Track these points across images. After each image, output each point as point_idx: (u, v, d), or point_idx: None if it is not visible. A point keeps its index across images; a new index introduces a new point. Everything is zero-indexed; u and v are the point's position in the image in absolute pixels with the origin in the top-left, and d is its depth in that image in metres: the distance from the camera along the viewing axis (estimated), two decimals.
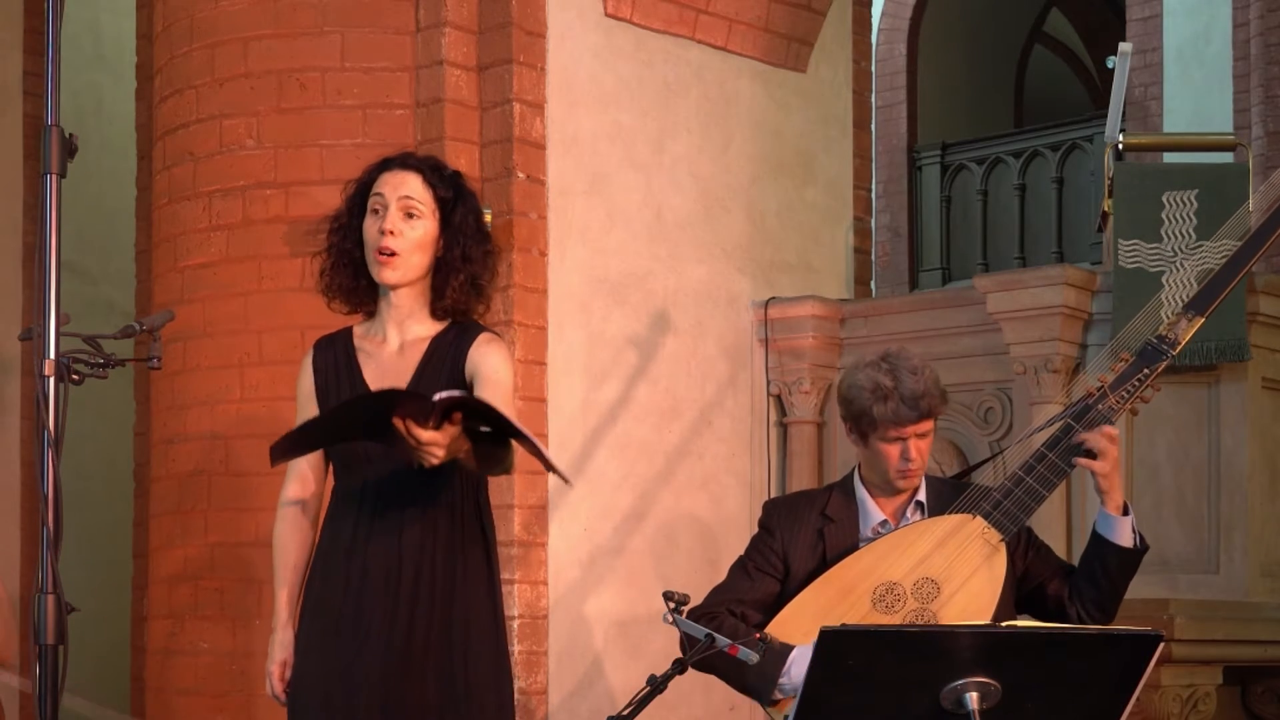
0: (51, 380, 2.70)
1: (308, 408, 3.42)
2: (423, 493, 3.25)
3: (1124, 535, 3.46)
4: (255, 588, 4.88)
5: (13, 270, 6.70)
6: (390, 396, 3.01)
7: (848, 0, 6.13)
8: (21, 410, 6.64)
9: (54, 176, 2.71)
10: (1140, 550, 3.49)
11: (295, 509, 3.44)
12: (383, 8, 4.97)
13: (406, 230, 3.28)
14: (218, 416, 4.98)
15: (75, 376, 2.74)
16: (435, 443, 2.97)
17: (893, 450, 3.49)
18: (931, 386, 3.47)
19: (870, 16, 6.44)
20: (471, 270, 3.32)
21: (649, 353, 5.33)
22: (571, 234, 5.13)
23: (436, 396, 2.94)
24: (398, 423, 2.96)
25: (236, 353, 4.97)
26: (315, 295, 4.83)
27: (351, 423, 3.14)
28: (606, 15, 5.26)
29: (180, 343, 5.03)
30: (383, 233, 3.27)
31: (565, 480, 3.20)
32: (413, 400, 2.95)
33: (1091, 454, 3.41)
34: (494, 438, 3.11)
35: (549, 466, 3.04)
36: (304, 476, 3.45)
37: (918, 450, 3.49)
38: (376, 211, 3.31)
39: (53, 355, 2.70)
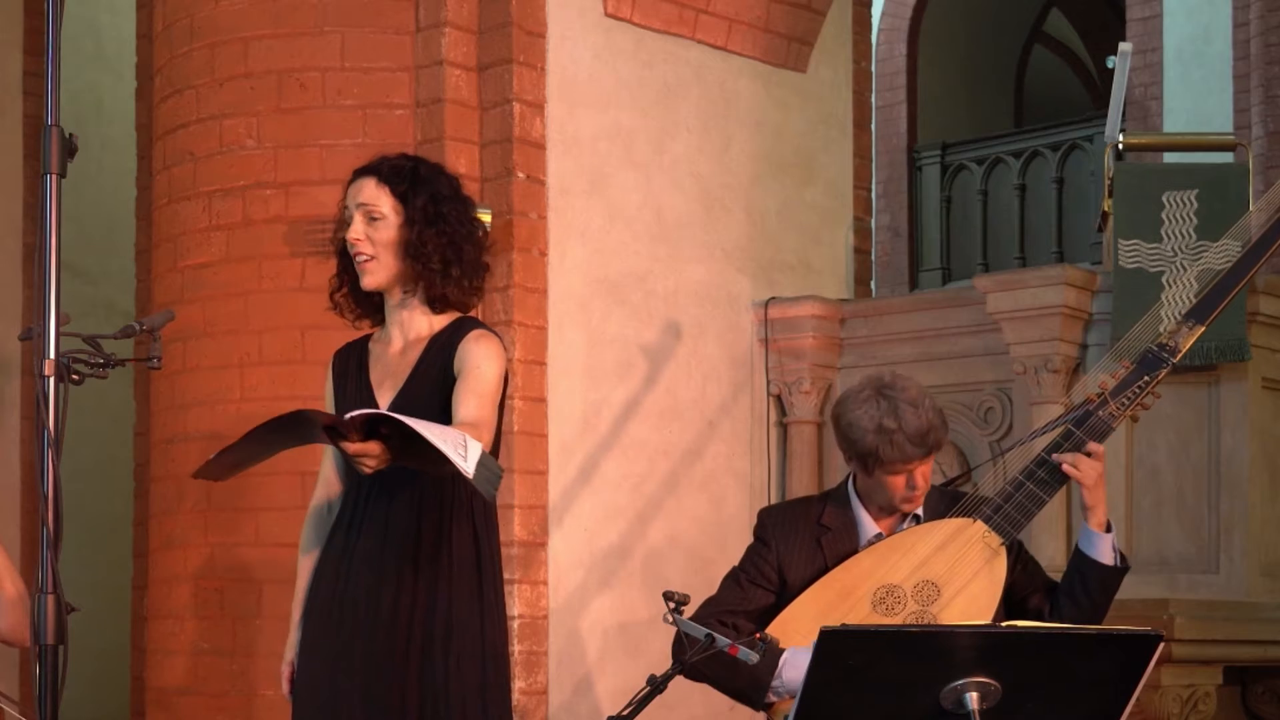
0: (51, 380, 2.69)
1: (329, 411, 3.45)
2: (411, 498, 3.27)
3: (1105, 553, 3.45)
4: (255, 588, 4.88)
5: (13, 270, 6.69)
6: (304, 415, 3.01)
7: (848, 0, 6.13)
8: (21, 410, 6.63)
9: (54, 176, 2.71)
10: (1121, 569, 3.48)
11: (320, 512, 3.47)
12: (383, 8, 4.97)
13: (371, 233, 3.34)
14: (218, 416, 4.98)
15: (75, 376, 2.73)
16: (364, 453, 2.98)
17: (898, 481, 3.47)
18: (934, 418, 3.43)
19: (870, 16, 6.44)
20: (425, 254, 3.32)
21: (649, 353, 5.33)
22: (571, 234, 5.13)
23: (348, 415, 2.95)
24: (324, 438, 2.99)
25: (236, 353, 4.97)
26: (315, 295, 4.84)
27: (281, 440, 3.12)
28: (606, 15, 5.26)
29: (180, 343, 5.03)
30: (350, 241, 3.35)
31: (487, 493, 3.05)
32: (329, 418, 2.97)
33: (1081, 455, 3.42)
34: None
35: (468, 474, 2.93)
36: (329, 480, 3.47)
37: (923, 476, 3.48)
38: (348, 223, 3.37)
39: (53, 355, 2.70)
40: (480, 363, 3.27)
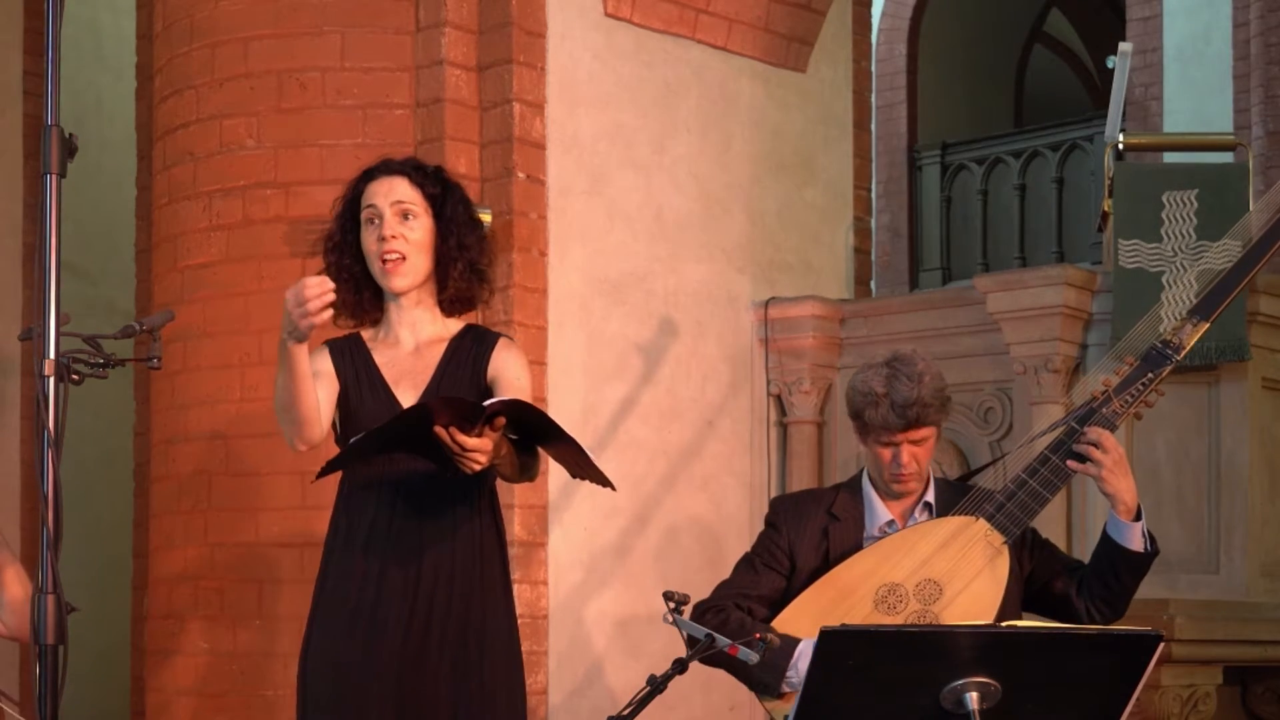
0: (51, 380, 2.69)
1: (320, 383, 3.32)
2: (445, 492, 3.26)
3: (1134, 540, 3.44)
4: (255, 588, 4.88)
5: (13, 270, 6.69)
6: (441, 403, 3.00)
7: (848, 0, 6.13)
8: (21, 410, 6.63)
9: (54, 176, 2.71)
10: (1150, 554, 3.47)
11: None
12: (383, 8, 4.97)
13: (406, 232, 3.30)
14: (218, 416, 4.98)
15: (75, 376, 2.73)
16: (480, 449, 2.99)
17: (885, 454, 3.50)
18: (927, 395, 3.43)
19: (870, 16, 6.44)
20: (469, 257, 3.35)
21: (649, 353, 5.33)
22: (571, 234, 5.13)
23: (486, 403, 2.97)
24: (440, 430, 2.98)
25: (236, 353, 4.96)
26: None
27: (401, 436, 3.12)
28: (606, 15, 5.26)
29: (180, 343, 5.03)
30: (383, 239, 3.29)
31: (611, 486, 3.21)
32: (459, 406, 2.96)
33: (1082, 458, 3.41)
34: (521, 445, 3.14)
35: (597, 476, 3.14)
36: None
37: (911, 456, 3.48)
38: (372, 222, 3.32)
39: (53, 355, 2.70)
40: (520, 374, 3.35)
